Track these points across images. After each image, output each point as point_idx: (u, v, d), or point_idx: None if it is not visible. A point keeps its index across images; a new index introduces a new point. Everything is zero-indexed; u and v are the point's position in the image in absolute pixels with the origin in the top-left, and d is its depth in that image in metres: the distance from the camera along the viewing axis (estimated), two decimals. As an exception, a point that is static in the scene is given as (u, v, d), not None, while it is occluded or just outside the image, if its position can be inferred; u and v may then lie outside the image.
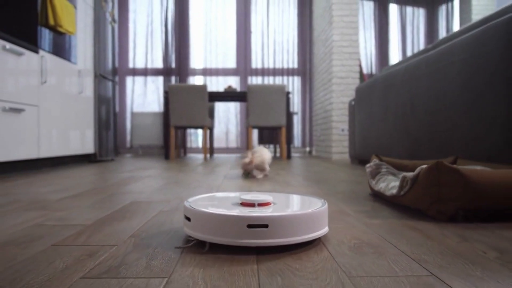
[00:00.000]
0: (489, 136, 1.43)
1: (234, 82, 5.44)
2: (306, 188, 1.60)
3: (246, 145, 5.37)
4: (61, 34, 2.89)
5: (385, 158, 1.54)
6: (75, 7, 3.12)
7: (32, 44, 2.57)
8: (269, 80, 5.42)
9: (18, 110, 2.30)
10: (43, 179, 1.95)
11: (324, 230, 0.75)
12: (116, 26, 4.08)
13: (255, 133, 5.71)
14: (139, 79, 5.37)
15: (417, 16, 5.58)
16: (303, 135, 5.52)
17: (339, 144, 4.08)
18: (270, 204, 0.78)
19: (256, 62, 5.44)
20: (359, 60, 4.13)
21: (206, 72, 5.39)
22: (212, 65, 5.39)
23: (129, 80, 5.41)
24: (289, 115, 4.16)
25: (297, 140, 5.50)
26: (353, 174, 2.23)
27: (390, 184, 1.20)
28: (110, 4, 3.89)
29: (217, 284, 0.53)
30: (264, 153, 2.04)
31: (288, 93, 4.10)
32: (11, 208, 1.13)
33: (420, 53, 2.19)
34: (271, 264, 0.61)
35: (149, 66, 5.36)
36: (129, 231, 0.83)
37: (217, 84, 5.40)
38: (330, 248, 0.70)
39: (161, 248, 0.70)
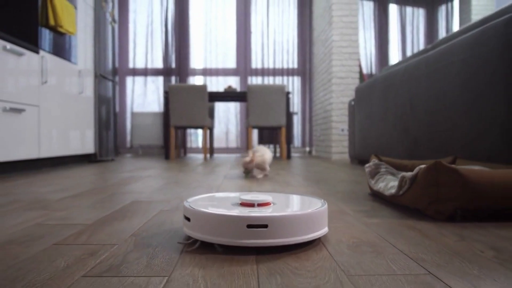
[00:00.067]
0: (488, 136, 1.43)
1: (234, 82, 5.45)
2: (306, 188, 1.61)
3: (246, 145, 5.38)
4: (61, 34, 2.89)
5: (385, 158, 1.55)
6: (75, 7, 3.13)
7: (33, 44, 2.57)
8: (269, 80, 5.43)
9: (19, 110, 2.30)
10: (43, 179, 1.96)
11: (324, 230, 0.75)
12: (116, 26, 4.08)
13: (255, 133, 5.71)
14: (139, 79, 5.38)
15: (417, 16, 5.58)
16: (303, 135, 5.53)
17: (339, 144, 4.08)
18: (270, 204, 0.78)
19: (256, 62, 5.44)
20: (358, 60, 4.13)
21: (206, 72, 5.40)
22: (212, 65, 5.40)
23: (129, 80, 5.41)
24: (289, 115, 4.16)
25: (297, 140, 5.51)
26: (353, 174, 2.24)
27: (389, 184, 1.20)
28: (110, 4, 3.90)
29: (217, 283, 0.53)
30: (265, 153, 2.05)
31: (288, 93, 4.10)
32: (12, 208, 1.14)
33: (420, 53, 2.19)
34: (271, 264, 0.62)
35: (149, 66, 5.36)
36: (130, 231, 0.84)
37: (217, 84, 5.40)
38: (329, 247, 0.71)
39: (161, 247, 0.71)
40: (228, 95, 4.19)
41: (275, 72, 5.43)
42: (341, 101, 4.09)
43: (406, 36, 5.55)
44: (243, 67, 5.44)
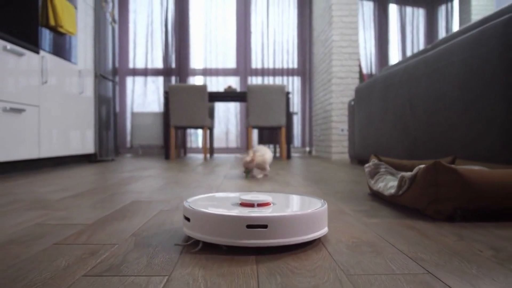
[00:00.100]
0: (488, 136, 1.44)
1: (234, 82, 5.45)
2: (306, 188, 1.61)
3: (246, 145, 5.38)
4: (61, 34, 2.90)
5: (384, 158, 1.55)
6: (75, 7, 3.13)
7: (33, 44, 2.58)
8: (269, 80, 5.43)
9: (19, 110, 2.31)
10: (43, 179, 1.96)
11: (324, 230, 0.75)
12: (116, 26, 4.09)
13: (255, 133, 5.72)
14: (139, 79, 5.38)
15: (417, 16, 5.58)
16: (303, 135, 5.53)
17: (339, 144, 4.09)
18: (270, 204, 0.78)
19: (256, 62, 5.44)
20: (358, 60, 4.14)
21: (206, 72, 5.40)
22: (212, 65, 5.40)
23: (129, 80, 5.42)
24: (289, 115, 4.17)
25: (297, 140, 5.51)
26: (353, 174, 2.24)
27: (388, 184, 1.21)
28: (110, 5, 3.90)
29: (216, 282, 0.54)
30: (265, 153, 2.05)
31: (288, 93, 4.11)
32: (12, 207, 1.14)
33: (419, 53, 2.20)
34: (271, 263, 0.62)
35: (149, 66, 5.37)
36: (130, 230, 0.84)
37: (217, 84, 5.41)
38: (329, 247, 0.71)
39: (161, 247, 0.71)
40: (228, 95, 4.20)
41: (275, 72, 5.43)
42: (341, 101, 4.09)
43: (406, 36, 5.55)
44: (243, 67, 5.44)
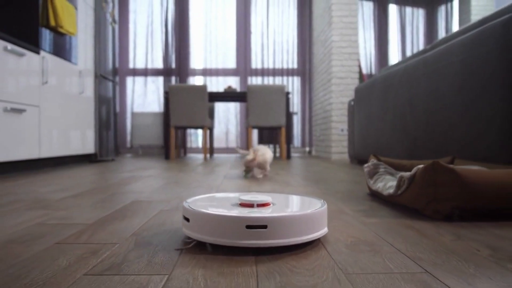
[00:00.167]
0: (487, 136, 1.44)
1: (234, 82, 5.46)
2: (305, 188, 1.62)
3: (246, 145, 5.39)
4: (62, 34, 2.90)
5: (383, 158, 1.56)
6: (75, 8, 3.14)
7: (33, 45, 2.58)
8: (269, 80, 5.43)
9: (19, 111, 2.31)
10: (44, 179, 1.97)
11: (323, 231, 0.75)
12: (116, 26, 4.09)
13: (255, 133, 5.72)
14: (139, 79, 5.38)
15: (417, 16, 5.59)
16: (303, 135, 5.53)
17: (339, 144, 4.09)
18: (269, 204, 0.78)
19: (256, 62, 5.45)
20: (358, 60, 4.14)
21: (206, 72, 5.41)
22: (212, 65, 5.41)
23: (129, 80, 5.42)
24: (289, 115, 4.17)
25: (296, 140, 5.51)
26: (352, 174, 2.25)
27: (387, 184, 1.21)
28: (110, 5, 3.91)
29: (216, 281, 0.54)
30: (266, 152, 2.06)
31: (287, 93, 4.11)
32: (13, 207, 1.15)
33: (419, 53, 2.20)
34: (270, 263, 0.63)
35: (149, 66, 5.37)
36: (130, 230, 0.85)
37: (217, 84, 5.41)
38: (328, 246, 0.72)
39: (162, 246, 0.72)
40: (228, 95, 4.20)
41: (275, 72, 5.43)
42: (341, 101, 4.10)
43: (406, 36, 5.55)
44: (243, 67, 5.45)
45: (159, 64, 5.39)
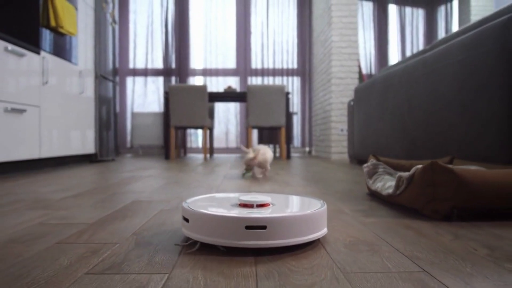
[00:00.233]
0: (486, 137, 1.45)
1: (234, 82, 5.46)
2: (305, 187, 1.62)
3: (246, 145, 5.39)
4: (62, 35, 2.91)
5: (383, 158, 1.56)
6: (76, 8, 3.14)
7: (34, 45, 2.59)
8: (269, 81, 5.44)
9: (20, 111, 2.32)
10: (44, 179, 1.97)
11: (323, 231, 0.75)
12: (116, 27, 4.10)
13: (255, 133, 5.73)
14: (139, 80, 5.39)
15: (416, 16, 5.60)
16: (303, 135, 5.54)
17: (338, 144, 4.10)
18: (269, 205, 0.78)
19: (255, 62, 5.46)
20: (358, 60, 4.15)
21: (206, 72, 5.41)
22: (212, 65, 5.42)
23: (129, 80, 5.43)
24: (289, 115, 4.18)
25: (296, 140, 5.52)
26: (352, 174, 2.25)
27: (386, 184, 1.22)
28: (110, 5, 3.91)
29: (216, 280, 0.55)
30: (266, 152, 2.06)
31: (287, 93, 4.12)
32: (13, 207, 1.15)
33: (418, 54, 2.21)
34: (269, 263, 0.63)
35: (149, 66, 5.38)
36: (131, 230, 0.85)
37: (217, 85, 5.42)
38: (327, 246, 0.72)
39: (162, 246, 0.72)
40: (228, 95, 4.21)
41: (274, 72, 5.44)
42: (341, 101, 4.10)
43: (406, 37, 5.56)
44: (243, 67, 5.45)
45: (159, 64, 5.40)
